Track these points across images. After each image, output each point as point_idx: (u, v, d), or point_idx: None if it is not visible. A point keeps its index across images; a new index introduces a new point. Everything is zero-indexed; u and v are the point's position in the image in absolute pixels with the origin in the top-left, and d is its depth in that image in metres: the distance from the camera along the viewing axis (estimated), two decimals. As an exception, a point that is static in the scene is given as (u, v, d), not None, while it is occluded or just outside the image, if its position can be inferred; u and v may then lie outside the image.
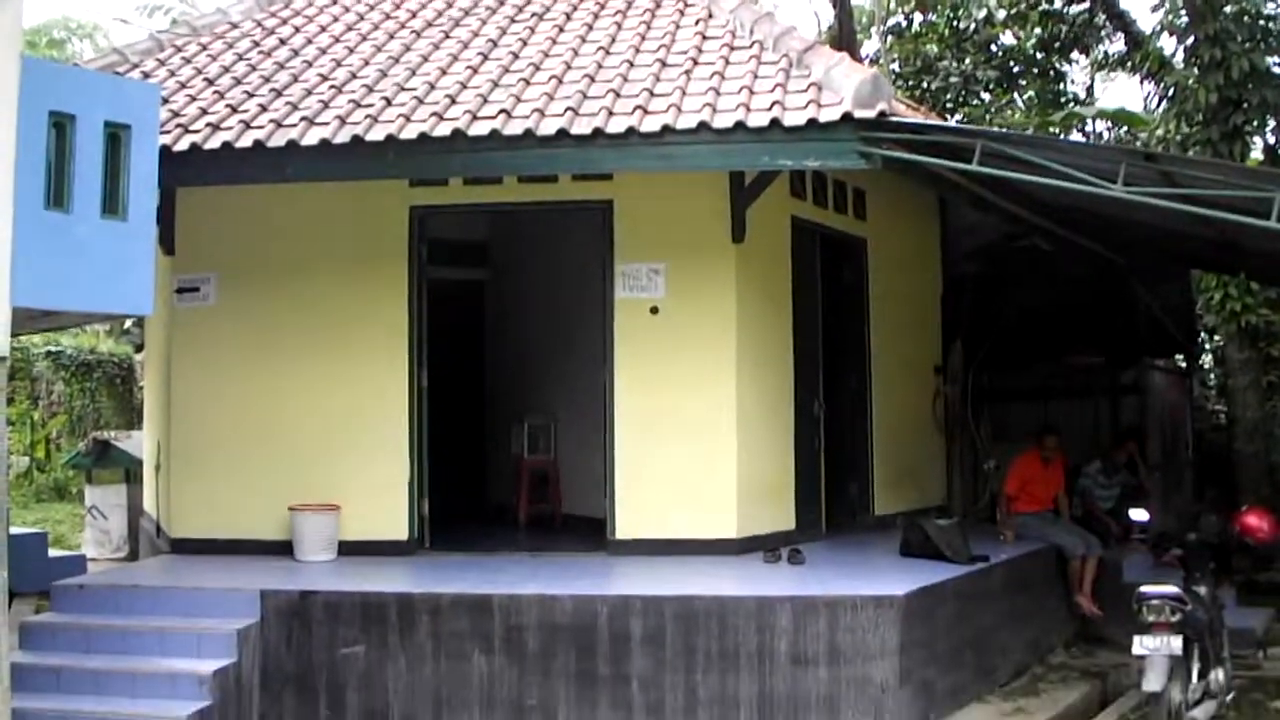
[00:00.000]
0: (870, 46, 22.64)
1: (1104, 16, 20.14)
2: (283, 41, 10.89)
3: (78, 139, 6.91)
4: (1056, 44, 21.56)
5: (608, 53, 9.71)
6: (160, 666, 7.68)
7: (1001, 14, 21.71)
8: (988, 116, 20.80)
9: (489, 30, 10.61)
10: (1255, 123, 15.59)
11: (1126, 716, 8.47)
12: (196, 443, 9.97)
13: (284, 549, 9.41)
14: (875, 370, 11.62)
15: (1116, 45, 21.40)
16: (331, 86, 9.42)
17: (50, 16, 32.74)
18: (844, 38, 18.17)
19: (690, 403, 9.50)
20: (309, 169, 8.70)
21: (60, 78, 7.54)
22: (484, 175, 9.31)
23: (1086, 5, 20.54)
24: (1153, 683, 7.22)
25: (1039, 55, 21.88)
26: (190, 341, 10.07)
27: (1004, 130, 15.18)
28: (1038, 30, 21.43)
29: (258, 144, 8.53)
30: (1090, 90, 24.43)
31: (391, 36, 10.73)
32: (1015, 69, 22.10)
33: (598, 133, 8.24)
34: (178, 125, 8.81)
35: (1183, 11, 15.86)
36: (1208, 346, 20.40)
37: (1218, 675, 8.08)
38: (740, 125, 8.12)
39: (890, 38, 22.42)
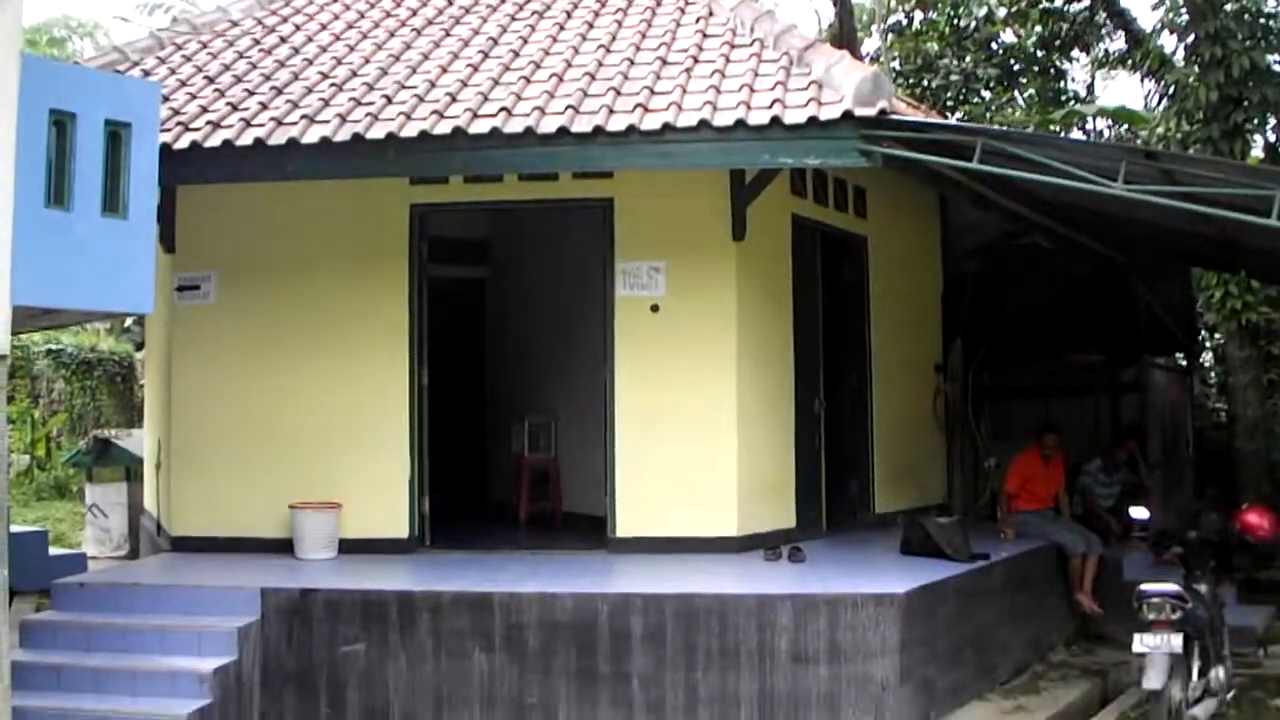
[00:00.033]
0: (871, 44, 22.64)
1: (1104, 14, 20.13)
2: (283, 39, 10.89)
3: (78, 137, 6.90)
4: (1057, 42, 21.55)
5: (608, 51, 9.71)
6: (161, 664, 7.68)
7: (1002, 12, 21.72)
8: (988, 114, 20.79)
9: (490, 28, 10.61)
10: (1256, 121, 15.58)
11: (1127, 714, 8.47)
12: (197, 441, 9.97)
13: (284, 547, 9.42)
14: (876, 368, 11.63)
15: (1117, 43, 21.41)
16: (332, 84, 9.42)
17: (51, 15, 32.78)
18: (844, 36, 18.17)
19: (691, 401, 9.50)
20: (310, 167, 8.70)
21: (61, 76, 7.54)
22: (485, 173, 9.31)
23: (1087, 3, 20.53)
24: (1153, 680, 7.22)
25: (1039, 53, 21.88)
26: (191, 340, 10.07)
27: (1004, 128, 15.15)
28: (1038, 28, 21.43)
29: (258, 142, 8.53)
30: (1091, 88, 24.45)
31: (392, 34, 10.73)
32: (1016, 67, 22.09)
33: (598, 130, 8.24)
34: (178, 123, 8.81)
35: (1183, 9, 15.85)
36: (1208, 344, 20.39)
37: (1218, 673, 8.08)
38: (741, 123, 8.12)
39: (891, 36, 22.42)
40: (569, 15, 10.77)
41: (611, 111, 8.41)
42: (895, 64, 21.35)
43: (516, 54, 9.81)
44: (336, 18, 11.45)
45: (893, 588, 7.74)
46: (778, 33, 9.53)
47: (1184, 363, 17.37)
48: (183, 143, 8.55)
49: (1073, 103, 21.65)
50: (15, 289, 6.41)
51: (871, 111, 8.01)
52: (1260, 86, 15.02)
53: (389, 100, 8.93)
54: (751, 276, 9.70)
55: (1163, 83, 16.80)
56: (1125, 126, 20.14)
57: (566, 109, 8.44)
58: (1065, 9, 21.07)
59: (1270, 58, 15.56)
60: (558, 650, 7.67)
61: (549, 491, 11.89)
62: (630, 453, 9.53)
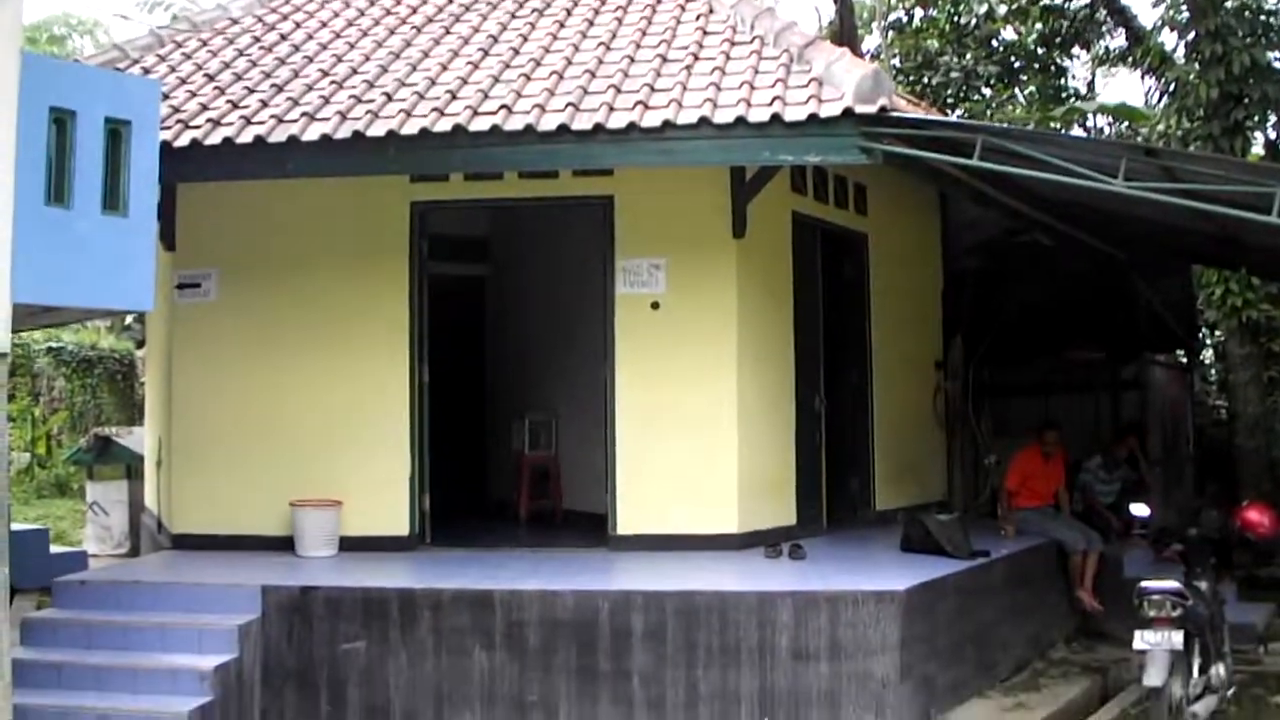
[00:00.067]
0: (871, 42, 22.60)
1: (1105, 12, 20.12)
2: (283, 37, 10.89)
3: (78, 135, 6.90)
4: (1057, 39, 21.54)
5: (608, 48, 9.71)
6: (161, 662, 7.68)
7: (1002, 9, 21.70)
8: (989, 112, 20.78)
9: (490, 26, 10.62)
10: (1256, 118, 15.58)
11: (1127, 711, 8.47)
12: (198, 438, 9.97)
13: (285, 544, 9.42)
14: (876, 365, 11.63)
15: (1117, 40, 21.40)
16: (332, 82, 9.43)
17: (51, 13, 32.80)
18: (845, 33, 18.13)
19: (691, 398, 9.50)
20: (310, 165, 8.70)
21: (61, 74, 7.54)
22: (485, 171, 9.31)
23: (1087, 0, 20.51)
24: (1153, 678, 7.22)
25: (1040, 50, 21.86)
26: (191, 337, 10.07)
27: (1005, 125, 15.15)
28: (1039, 25, 21.41)
29: (258, 140, 8.53)
30: (1091, 85, 24.42)
31: (392, 32, 10.73)
32: (1016, 64, 22.07)
33: (598, 128, 8.24)
34: (178, 121, 8.81)
35: (1184, 7, 15.84)
36: (1208, 342, 20.38)
37: (1218, 670, 8.08)
38: (741, 120, 8.11)
39: (891, 33, 22.39)
40: (569, 13, 10.77)
41: (612, 109, 8.41)
42: (895, 61, 21.32)
43: (517, 51, 9.81)
44: (337, 15, 11.46)
45: (893, 585, 7.74)
46: (778, 30, 9.53)
47: (1184, 360, 17.35)
48: (183, 140, 8.55)
49: (1073, 100, 21.64)
50: (15, 287, 6.40)
51: (872, 109, 8.01)
52: (1261, 83, 15.01)
53: (389, 98, 8.93)
54: (752, 274, 9.70)
55: (1163, 80, 16.80)
56: (1126, 124, 20.13)
57: (567, 106, 8.44)
58: (1066, 6, 21.06)
59: (1271, 55, 15.55)
60: (558, 648, 7.67)
61: (549, 489, 11.89)
62: (631, 450, 9.54)
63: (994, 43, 22.15)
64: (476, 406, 13.23)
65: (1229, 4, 15.30)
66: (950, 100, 21.11)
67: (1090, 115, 21.30)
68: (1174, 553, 8.82)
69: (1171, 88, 16.31)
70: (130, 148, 7.19)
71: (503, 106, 8.54)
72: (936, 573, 8.38)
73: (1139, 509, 10.09)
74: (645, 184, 9.41)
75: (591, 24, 10.41)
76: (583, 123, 8.29)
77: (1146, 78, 18.28)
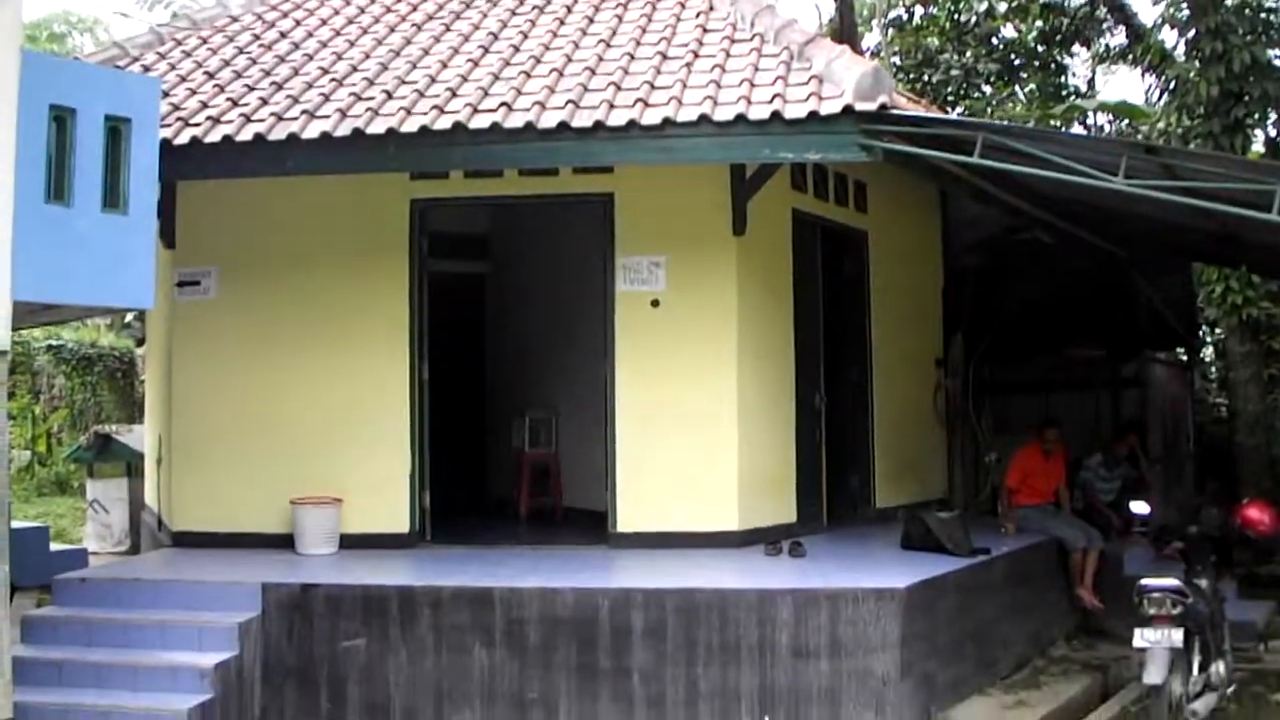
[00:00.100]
0: (871, 39, 22.59)
1: (1105, 9, 20.11)
2: (283, 35, 10.89)
3: (78, 133, 6.91)
4: (1058, 37, 21.53)
5: (608, 46, 9.71)
6: (161, 660, 7.69)
7: (1002, 7, 21.69)
8: (989, 109, 20.76)
9: (489, 23, 10.61)
10: (1256, 116, 15.56)
11: (1127, 709, 8.47)
12: (197, 436, 9.97)
13: (285, 542, 9.42)
14: (876, 363, 11.62)
15: (1118, 38, 21.37)
16: (332, 80, 9.43)
17: (50, 10, 32.81)
18: (845, 31, 18.10)
19: (691, 395, 9.50)
20: (309, 162, 8.70)
21: (60, 72, 7.55)
22: (484, 168, 9.31)
23: (1087, -2, 20.54)
24: (1153, 675, 7.22)
25: (1040, 48, 21.85)
26: (191, 335, 10.07)
27: (1005, 123, 15.15)
28: (1039, 23, 21.40)
29: (258, 137, 8.53)
30: (1091, 83, 24.41)
31: (392, 30, 10.73)
32: (1016, 62, 22.06)
33: (598, 125, 8.24)
34: (178, 119, 8.81)
35: (1184, 4, 15.82)
36: (1209, 339, 20.37)
37: (1219, 668, 8.07)
38: (741, 118, 8.11)
39: (891, 31, 22.38)
40: (569, 10, 10.77)
41: (612, 106, 8.41)
42: (896, 59, 21.32)
43: (517, 49, 9.80)
44: (336, 13, 11.46)
45: (893, 582, 7.74)
46: (778, 27, 9.52)
47: (1184, 358, 17.35)
48: (183, 138, 8.55)
49: (1073, 98, 21.63)
50: (15, 284, 6.42)
51: (872, 106, 8.01)
52: (1261, 81, 15.00)
53: (389, 95, 8.93)
54: (752, 271, 9.70)
55: (1163, 78, 16.78)
56: (1126, 121, 20.12)
57: (567, 104, 8.44)
58: (1066, 4, 21.04)
59: (1271, 52, 15.54)
60: (558, 645, 7.67)
61: (549, 486, 11.89)
62: (631, 448, 9.53)
63: (994, 40, 22.14)
64: (476, 404, 13.23)
65: (1229, 1, 15.29)
66: (950, 98, 21.11)
67: (1090, 113, 21.29)
68: (1174, 550, 8.82)
69: (1172, 85, 16.30)
70: (130, 145, 7.20)
71: (503, 104, 8.54)
72: (937, 570, 8.38)
73: (1139, 507, 10.09)
74: (645, 181, 9.40)
75: (592, 21, 10.41)
76: (583, 120, 8.29)
77: (1147, 75, 18.24)
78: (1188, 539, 8.81)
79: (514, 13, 10.85)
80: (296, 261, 9.83)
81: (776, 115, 8.07)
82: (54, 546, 12.33)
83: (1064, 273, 13.61)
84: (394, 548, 9.48)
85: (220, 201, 9.80)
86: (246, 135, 8.56)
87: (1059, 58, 22.20)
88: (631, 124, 8.20)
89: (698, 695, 7.54)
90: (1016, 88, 22.15)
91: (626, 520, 9.51)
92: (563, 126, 8.26)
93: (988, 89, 21.76)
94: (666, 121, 8.18)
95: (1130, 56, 19.70)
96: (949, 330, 13.02)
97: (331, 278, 9.79)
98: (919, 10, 22.73)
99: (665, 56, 9.32)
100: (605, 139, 8.31)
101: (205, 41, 10.81)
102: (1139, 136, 17.58)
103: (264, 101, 9.07)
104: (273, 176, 9.02)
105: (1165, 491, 13.62)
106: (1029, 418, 12.29)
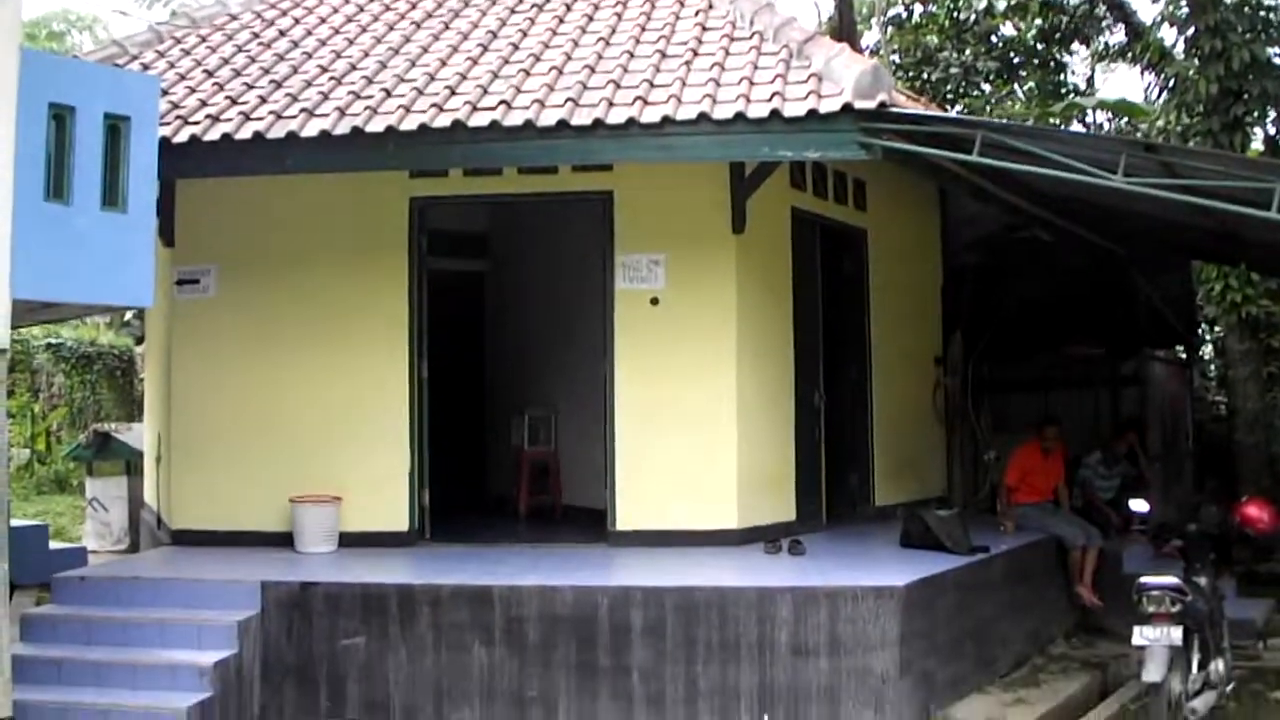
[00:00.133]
0: (870, 37, 22.59)
1: (1104, 7, 20.11)
2: (282, 33, 10.89)
3: (77, 131, 6.91)
4: (1057, 35, 21.52)
5: (608, 44, 9.70)
6: (161, 658, 7.69)
7: (1002, 5, 21.68)
8: (988, 107, 20.76)
9: (488, 21, 10.61)
10: (1256, 114, 15.57)
11: (1126, 707, 8.47)
12: (197, 434, 9.97)
13: (285, 540, 9.42)
14: (875, 361, 11.62)
15: (1117, 36, 21.37)
16: (331, 78, 9.42)
17: (50, 9, 32.80)
18: (844, 29, 18.11)
19: (690, 394, 9.50)
20: (309, 160, 8.70)
21: (60, 70, 7.54)
22: (484, 166, 9.31)
23: (1087, -4, 20.53)
24: (1153, 673, 7.22)
25: (1039, 46, 21.84)
26: (190, 333, 10.07)
27: (1004, 121, 15.13)
28: (1038, 21, 21.40)
29: (257, 135, 8.52)
30: (1090, 81, 24.40)
31: (391, 28, 10.73)
32: (1015, 60, 22.05)
33: (598, 123, 8.24)
34: (177, 117, 8.81)
35: (1183, 2, 15.84)
36: (1208, 337, 20.37)
37: (1218, 666, 8.07)
38: (740, 116, 8.11)
39: (890, 29, 22.38)
40: (568, 8, 10.76)
41: (611, 104, 8.41)
42: (895, 57, 21.32)
43: (515, 47, 9.80)
44: (335, 11, 11.45)
45: (892, 580, 7.74)
46: (777, 25, 9.52)
47: (1184, 356, 17.37)
48: (182, 136, 8.55)
49: (1072, 96, 21.61)
50: (15, 283, 6.42)
51: (871, 104, 8.01)
52: (1260, 79, 15.01)
53: (388, 94, 8.93)
54: (751, 269, 9.70)
55: (1163, 76, 16.79)
56: (1125, 119, 20.12)
57: (566, 102, 8.44)
58: (1065, 2, 21.03)
59: (1270, 51, 15.54)
60: (558, 643, 7.67)
61: (549, 485, 11.89)
62: (630, 446, 9.53)
63: (993, 38, 22.13)
64: (476, 402, 13.23)
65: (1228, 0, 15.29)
66: (950, 96, 21.10)
67: (1090, 111, 21.28)
68: (1173, 548, 8.82)
69: (1171, 83, 16.30)
70: (129, 144, 7.20)
71: (502, 102, 8.54)
72: (936, 568, 8.38)
73: (1138, 504, 10.09)
74: (644, 179, 9.40)
75: (591, 19, 10.40)
76: (582, 118, 8.29)
77: (1146, 73, 18.25)
78: (1187, 537, 8.81)
79: (513, 10, 10.85)
80: (296, 260, 9.83)
81: (776, 113, 8.07)
82: (53, 545, 12.30)
83: (1063, 271, 13.61)
84: (393, 546, 9.48)
85: (219, 200, 9.80)
86: (245, 133, 8.55)
87: (1058, 55, 22.19)
88: (631, 122, 8.20)
89: (697, 693, 7.54)
90: (1016, 86, 22.14)
91: (626, 518, 9.51)
92: (562, 124, 8.26)
93: (987, 87, 21.75)
94: (666, 120, 8.18)
95: (1129, 54, 19.70)
96: (948, 328, 13.02)
97: (331, 276, 9.79)
98: (918, 8, 22.72)
99: (664, 55, 9.32)
100: (605, 137, 8.31)
101: (204, 40, 10.80)
102: (1138, 134, 17.60)
103: (263, 100, 9.06)
104: (272, 175, 9.02)
105: (1164, 489, 13.63)
106: (1028, 416, 12.30)
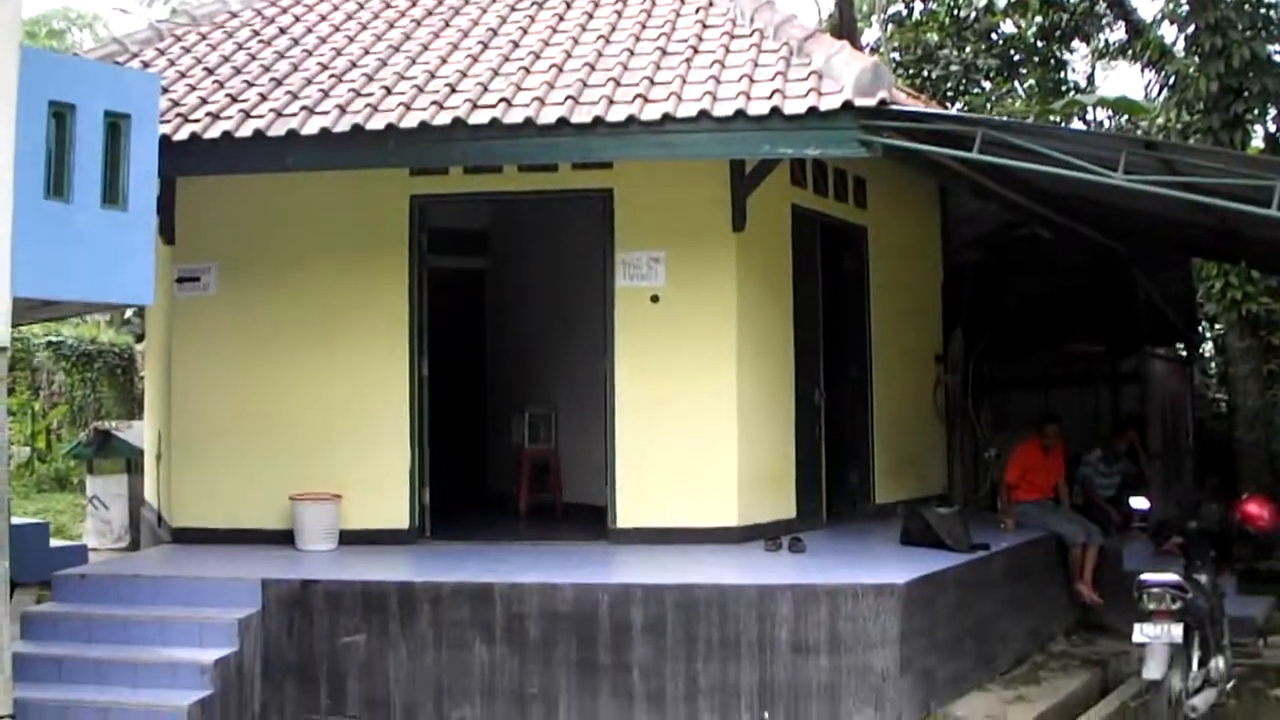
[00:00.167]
0: (871, 35, 22.59)
1: (1104, 5, 20.12)
2: (282, 30, 10.88)
3: (77, 129, 6.90)
4: (1057, 32, 21.52)
5: (608, 41, 9.70)
6: (161, 656, 7.69)
7: (1002, 2, 21.66)
8: (988, 105, 20.75)
9: (489, 19, 10.60)
10: (1256, 111, 15.59)
11: (1127, 704, 8.47)
12: (197, 432, 9.97)
13: (285, 538, 9.43)
14: (876, 359, 11.62)
15: (1117, 33, 21.38)
16: (331, 75, 9.42)
17: (50, 6, 32.74)
18: (844, 26, 18.10)
19: (691, 391, 9.50)
20: (309, 158, 8.69)
21: (60, 67, 7.55)
22: (484, 164, 9.30)
23: (1087, -7, 20.52)
24: (1153, 670, 7.23)
25: (1040, 43, 21.84)
26: (191, 331, 10.06)
27: (1005, 118, 15.13)
28: (1038, 18, 21.38)
29: (258, 133, 8.52)
30: (1091, 78, 24.38)
31: (392, 25, 10.73)
32: (1016, 57, 22.05)
33: (598, 121, 8.23)
34: (177, 114, 8.81)
35: (1183, 0, 15.84)
36: (1208, 335, 20.39)
37: (1218, 663, 8.08)
38: (741, 114, 8.11)
39: (891, 26, 22.36)
40: (568, 6, 10.76)
41: (611, 102, 8.40)
42: (895, 54, 21.31)
43: (516, 44, 9.80)
44: (336, 8, 11.44)
45: (893, 578, 7.75)
46: (777, 23, 9.52)
47: (1184, 353, 17.36)
48: (182, 134, 8.55)
49: (1073, 93, 21.61)
50: (15, 281, 6.41)
51: (871, 102, 8.00)
52: (1260, 77, 15.01)
53: (388, 91, 8.93)
54: (751, 267, 9.69)
55: (1163, 73, 16.79)
56: (1125, 117, 20.11)
57: (566, 99, 8.44)
58: (1065, -1, 21.06)
59: (1270, 48, 15.55)
60: (558, 641, 7.68)
61: (549, 482, 11.89)
62: (630, 443, 9.53)
63: (994, 36, 22.12)
64: (476, 400, 13.24)
65: (1228, -3, 15.31)
66: (950, 93, 21.09)
67: (1090, 108, 21.27)
68: (1174, 546, 8.83)
69: (1171, 81, 16.31)
70: (129, 141, 7.19)
71: (502, 100, 8.53)
72: (936, 566, 8.38)
73: (1139, 502, 10.10)
74: (645, 177, 9.40)
75: (591, 17, 10.40)
76: (582, 116, 8.29)
77: (1146, 71, 18.27)
78: (1187, 534, 8.82)
79: (513, 8, 10.84)
80: (296, 257, 9.83)
81: (776, 111, 8.07)
82: (54, 543, 12.32)
83: (1063, 268, 13.61)
84: (394, 544, 9.49)
85: (220, 198, 9.79)
86: (246, 131, 8.55)
87: (1058, 53, 22.19)
88: (631, 120, 8.20)
89: (697, 691, 7.54)
90: (1016, 83, 22.14)
91: (626, 516, 9.52)
92: (562, 122, 8.25)
93: (987, 84, 21.75)
94: (666, 117, 8.17)
95: (1130, 52, 19.71)
96: (948, 326, 13.01)
97: (331, 274, 9.79)
98: (918, 6, 22.70)
99: (665, 52, 9.31)
100: (605, 134, 8.30)
101: (204, 37, 10.80)
102: (1138, 132, 17.60)
103: (263, 97, 9.06)
104: (272, 173, 9.02)
105: (1165, 487, 13.63)
106: (1028, 413, 12.31)
